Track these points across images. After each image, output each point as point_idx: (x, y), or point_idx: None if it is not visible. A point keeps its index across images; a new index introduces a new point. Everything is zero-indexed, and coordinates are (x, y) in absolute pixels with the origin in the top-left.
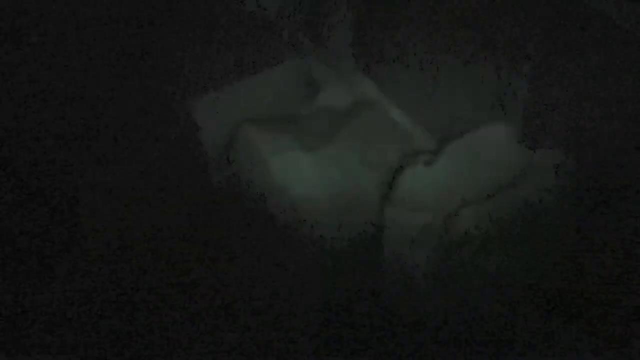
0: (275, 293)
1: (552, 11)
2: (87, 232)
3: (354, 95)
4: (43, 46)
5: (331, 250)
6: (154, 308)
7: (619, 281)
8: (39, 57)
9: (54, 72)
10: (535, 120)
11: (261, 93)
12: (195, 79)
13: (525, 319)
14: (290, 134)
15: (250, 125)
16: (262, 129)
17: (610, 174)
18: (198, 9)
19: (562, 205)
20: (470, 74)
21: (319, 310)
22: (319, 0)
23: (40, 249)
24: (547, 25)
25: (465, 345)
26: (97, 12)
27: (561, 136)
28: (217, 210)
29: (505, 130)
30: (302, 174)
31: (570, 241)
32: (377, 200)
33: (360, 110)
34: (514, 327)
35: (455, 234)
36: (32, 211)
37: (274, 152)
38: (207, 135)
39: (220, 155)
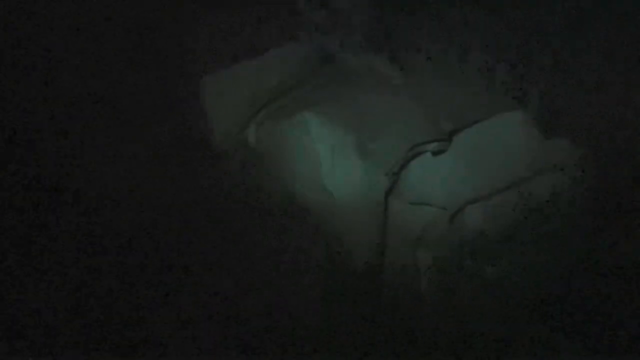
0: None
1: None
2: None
3: (367, 71)
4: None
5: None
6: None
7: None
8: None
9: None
10: (552, 110)
11: (272, 69)
12: (204, 58)
13: (530, 331)
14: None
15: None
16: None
17: (629, 171)
18: None
19: (575, 206)
20: (487, 62)
21: (320, 315)
22: None
23: (39, 246)
24: (569, 15)
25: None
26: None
27: (579, 129)
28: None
29: (522, 117)
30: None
31: (583, 247)
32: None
33: (372, 89)
34: (516, 339)
35: (461, 234)
36: (29, 208)
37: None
38: (217, 118)
39: (232, 140)
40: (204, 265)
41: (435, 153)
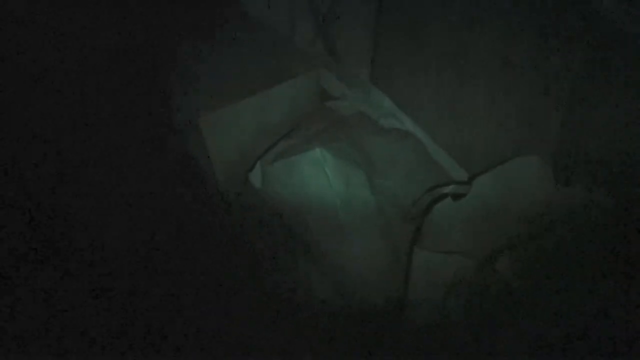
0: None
1: (588, 43)
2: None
3: (371, 110)
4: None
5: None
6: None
7: None
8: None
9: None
10: (568, 154)
11: (273, 108)
12: (205, 94)
13: None
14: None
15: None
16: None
17: None
18: (211, 23)
19: (599, 249)
20: (501, 104)
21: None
22: (335, 14)
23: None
24: (583, 57)
25: None
26: (109, 22)
27: (596, 171)
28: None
29: (538, 163)
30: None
31: (609, 289)
32: (405, 238)
33: (385, 135)
34: None
35: (491, 281)
36: (24, 221)
37: (301, 180)
38: (216, 151)
39: (232, 173)
40: (201, 302)
41: (455, 197)
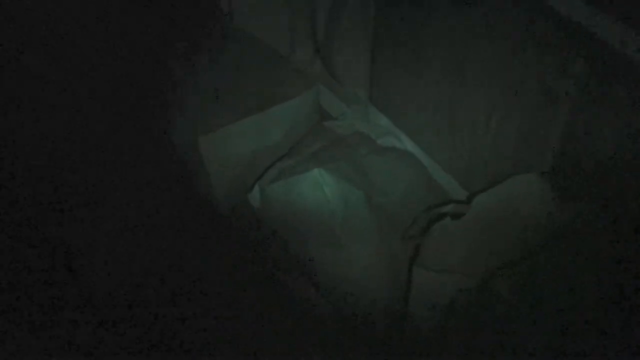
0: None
1: (585, 58)
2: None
3: (370, 129)
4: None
5: (348, 320)
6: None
7: None
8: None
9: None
10: (569, 171)
11: (272, 128)
12: (204, 115)
13: None
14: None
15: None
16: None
17: None
18: (209, 42)
19: (600, 266)
20: (500, 121)
21: None
22: (333, 34)
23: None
24: (582, 72)
25: None
26: (106, 42)
27: (598, 189)
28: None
29: (538, 181)
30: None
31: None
32: (404, 257)
33: (384, 154)
34: None
35: (492, 300)
36: (24, 249)
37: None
38: (215, 171)
39: (230, 194)
40: (202, 324)
41: (454, 216)
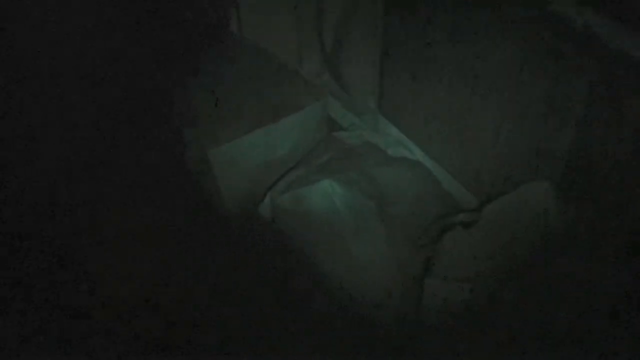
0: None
1: (598, 67)
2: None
3: (379, 140)
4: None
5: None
6: None
7: None
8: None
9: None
10: (580, 180)
11: (282, 139)
12: (214, 127)
13: None
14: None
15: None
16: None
17: None
18: (218, 55)
19: (611, 275)
20: (510, 129)
21: None
22: (342, 44)
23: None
24: (592, 80)
25: None
26: (115, 54)
27: (609, 198)
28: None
29: (548, 189)
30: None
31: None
32: (415, 267)
33: (394, 164)
34: None
35: (503, 309)
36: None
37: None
38: (226, 183)
39: (241, 206)
40: (212, 327)
41: (465, 225)
